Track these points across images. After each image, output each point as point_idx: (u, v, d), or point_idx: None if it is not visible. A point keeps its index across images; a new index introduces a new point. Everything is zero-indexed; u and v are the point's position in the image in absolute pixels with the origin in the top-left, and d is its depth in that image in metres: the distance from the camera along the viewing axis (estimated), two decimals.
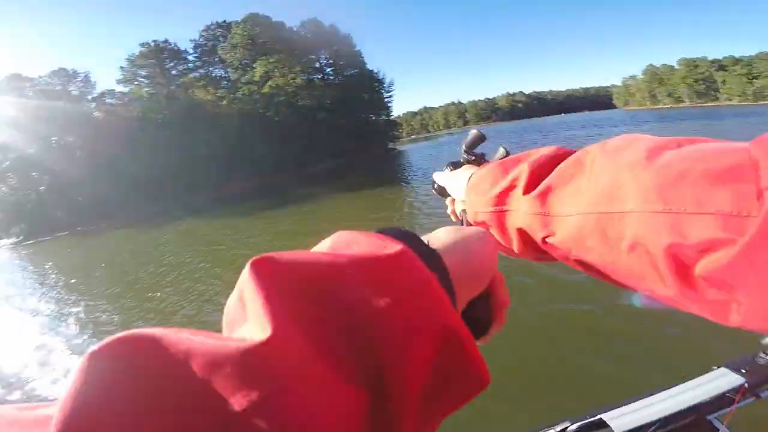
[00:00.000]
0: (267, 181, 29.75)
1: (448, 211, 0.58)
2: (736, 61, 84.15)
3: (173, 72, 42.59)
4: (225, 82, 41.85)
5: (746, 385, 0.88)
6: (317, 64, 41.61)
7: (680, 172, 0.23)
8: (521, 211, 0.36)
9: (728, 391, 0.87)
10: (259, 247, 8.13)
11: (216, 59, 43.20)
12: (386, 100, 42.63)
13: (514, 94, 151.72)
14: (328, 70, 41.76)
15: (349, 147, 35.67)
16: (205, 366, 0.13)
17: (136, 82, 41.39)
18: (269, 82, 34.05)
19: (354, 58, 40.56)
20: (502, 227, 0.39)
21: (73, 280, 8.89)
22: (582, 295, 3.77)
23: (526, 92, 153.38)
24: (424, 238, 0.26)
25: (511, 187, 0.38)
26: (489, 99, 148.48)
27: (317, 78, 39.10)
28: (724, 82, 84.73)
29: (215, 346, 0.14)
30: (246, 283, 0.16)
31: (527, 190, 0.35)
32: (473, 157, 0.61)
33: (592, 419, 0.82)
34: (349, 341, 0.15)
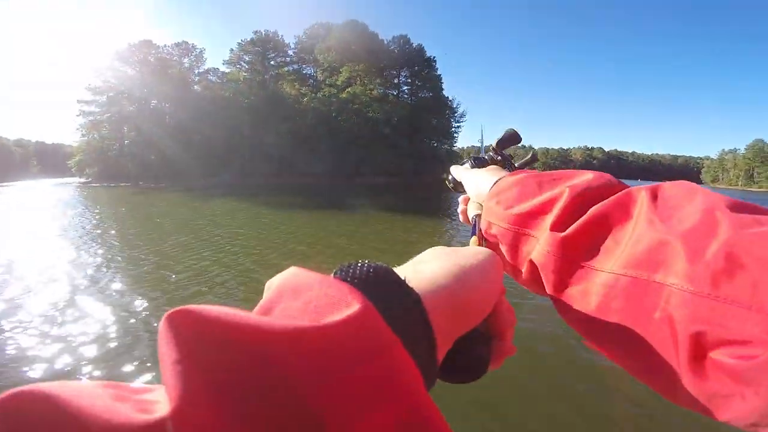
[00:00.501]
0: (318, 182, 31.14)
1: (459, 209, 0.52)
2: None
3: (272, 63, 46.86)
4: (312, 81, 44.83)
5: None
6: (396, 80, 42.73)
7: (741, 257, 0.21)
8: (542, 244, 0.31)
9: None
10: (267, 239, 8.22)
11: (311, 57, 46.49)
12: (454, 129, 42.27)
13: (591, 149, 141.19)
14: (405, 88, 42.64)
15: (405, 168, 35.97)
16: None
17: (238, 66, 46.19)
18: (348, 89, 35.70)
19: (432, 82, 40.96)
20: (516, 249, 0.35)
21: (111, 229, 9.87)
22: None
23: (606, 149, 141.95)
24: (405, 270, 0.22)
25: (541, 211, 0.33)
26: (563, 149, 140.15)
27: (392, 93, 40.08)
28: None
29: (111, 422, 0.12)
30: (161, 339, 0.14)
31: (558, 225, 0.31)
32: (500, 158, 0.56)
33: None
34: (273, 419, 0.13)
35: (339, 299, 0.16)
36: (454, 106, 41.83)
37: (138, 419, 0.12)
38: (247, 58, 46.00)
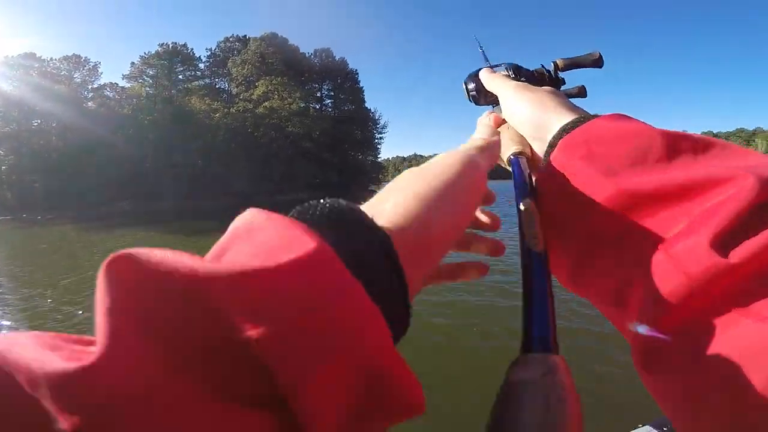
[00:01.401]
0: (237, 201, 28.87)
1: (481, 133, 0.34)
2: (713, 136, 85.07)
3: (180, 77, 43.47)
4: (225, 95, 42.25)
5: None
6: (318, 94, 42.03)
7: None
8: (680, 260, 0.18)
9: None
10: None
11: (225, 71, 44.01)
12: (377, 140, 42.61)
13: None
14: (327, 101, 42.14)
15: (331, 181, 35.12)
16: (29, 384, 0.11)
17: (140, 80, 42.00)
18: (265, 103, 34.01)
19: (354, 94, 40.97)
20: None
21: None
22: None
23: None
24: (372, 206, 0.19)
25: (679, 197, 0.20)
26: None
27: (314, 107, 39.27)
28: None
29: (42, 365, 0.11)
30: (98, 287, 0.13)
31: (723, 237, 0.17)
32: (554, 79, 0.39)
33: None
34: (212, 369, 0.12)
35: (292, 239, 0.13)
36: (376, 117, 42.23)
37: (64, 367, 0.11)
38: (151, 72, 42.33)
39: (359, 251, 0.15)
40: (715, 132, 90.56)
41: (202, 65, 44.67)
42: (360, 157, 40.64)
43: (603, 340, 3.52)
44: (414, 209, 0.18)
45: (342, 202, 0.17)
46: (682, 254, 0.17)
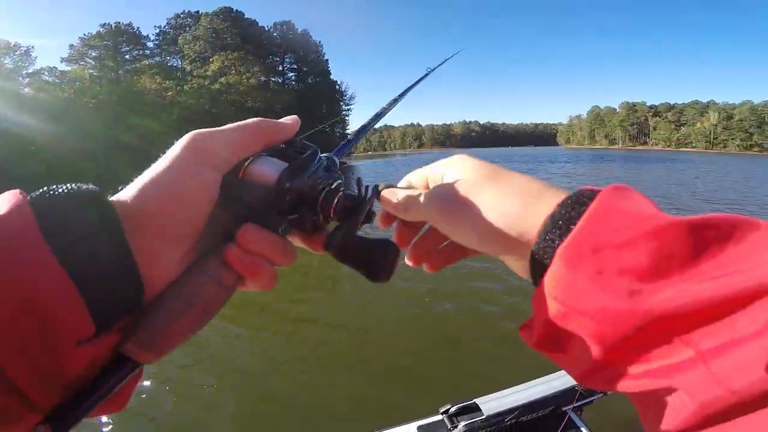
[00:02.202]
0: None
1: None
2: (670, 107, 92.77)
3: (127, 56, 40.38)
4: (180, 73, 39.54)
5: None
6: (280, 68, 39.91)
7: None
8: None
9: (578, 385, 0.98)
10: None
11: (177, 49, 41.09)
12: (345, 113, 41.21)
13: (469, 123, 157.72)
14: (291, 75, 40.13)
15: None
16: None
17: (82, 63, 38.76)
18: (221, 79, 31.81)
19: (319, 66, 39.07)
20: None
21: None
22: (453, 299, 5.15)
23: (481, 122, 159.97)
24: (127, 191, 0.24)
25: (722, 319, 0.15)
26: (446, 124, 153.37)
27: (276, 80, 37.23)
28: (655, 128, 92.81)
29: None
30: None
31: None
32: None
33: (469, 403, 0.94)
34: None
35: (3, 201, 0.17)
36: (343, 89, 40.68)
37: None
38: (93, 54, 39.12)
39: (74, 225, 0.19)
40: (671, 103, 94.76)
41: (150, 44, 41.92)
42: (328, 130, 39.20)
43: None
44: (134, 189, 0.23)
45: (82, 186, 0.21)
46: (727, 369, 0.15)
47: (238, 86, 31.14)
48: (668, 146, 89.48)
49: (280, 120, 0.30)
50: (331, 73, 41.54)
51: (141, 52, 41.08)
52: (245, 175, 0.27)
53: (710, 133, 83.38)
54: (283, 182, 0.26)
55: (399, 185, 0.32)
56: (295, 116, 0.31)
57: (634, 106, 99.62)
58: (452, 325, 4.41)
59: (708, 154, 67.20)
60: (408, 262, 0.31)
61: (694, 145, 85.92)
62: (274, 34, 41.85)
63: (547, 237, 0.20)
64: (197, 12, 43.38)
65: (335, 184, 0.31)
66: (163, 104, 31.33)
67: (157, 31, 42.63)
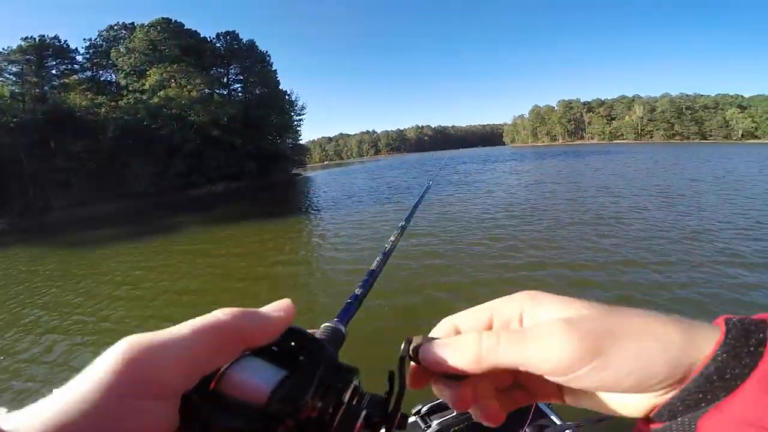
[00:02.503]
0: (138, 203, 25.86)
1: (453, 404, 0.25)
2: (602, 103, 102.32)
3: (54, 72, 37.66)
4: (114, 88, 37.43)
5: None
6: (225, 79, 38.97)
7: None
8: None
9: None
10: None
11: (110, 62, 38.88)
12: (296, 123, 40.88)
13: (422, 127, 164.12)
14: (237, 86, 39.27)
15: (247, 170, 33.01)
16: None
17: (1, 79, 35.60)
18: (160, 92, 30.54)
19: (266, 77, 38.56)
20: None
21: None
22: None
23: (433, 126, 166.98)
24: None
25: None
26: (400, 130, 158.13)
27: (220, 92, 36.32)
28: (590, 123, 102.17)
29: None
30: None
31: None
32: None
33: (439, 401, 0.92)
34: None
35: None
36: (293, 99, 40.35)
37: None
38: (14, 69, 36.05)
39: None
40: (603, 99, 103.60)
41: (80, 58, 39.42)
42: (279, 141, 38.72)
43: None
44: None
45: None
46: None
47: (179, 100, 30.03)
48: (603, 139, 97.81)
49: (268, 310, 0.23)
50: (280, 83, 41.12)
51: (69, 67, 38.57)
52: (220, 387, 0.20)
53: (638, 125, 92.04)
54: (282, 402, 0.19)
55: (437, 332, 0.26)
56: (288, 300, 0.24)
57: (570, 103, 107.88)
58: (412, 322, 4.18)
59: (637, 145, 73.39)
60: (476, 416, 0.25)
61: (624, 137, 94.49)
62: (217, 44, 40.80)
63: (728, 362, 0.18)
64: (132, 24, 41.39)
65: (351, 390, 0.22)
66: (97, 121, 29.54)
67: (88, 44, 40.33)
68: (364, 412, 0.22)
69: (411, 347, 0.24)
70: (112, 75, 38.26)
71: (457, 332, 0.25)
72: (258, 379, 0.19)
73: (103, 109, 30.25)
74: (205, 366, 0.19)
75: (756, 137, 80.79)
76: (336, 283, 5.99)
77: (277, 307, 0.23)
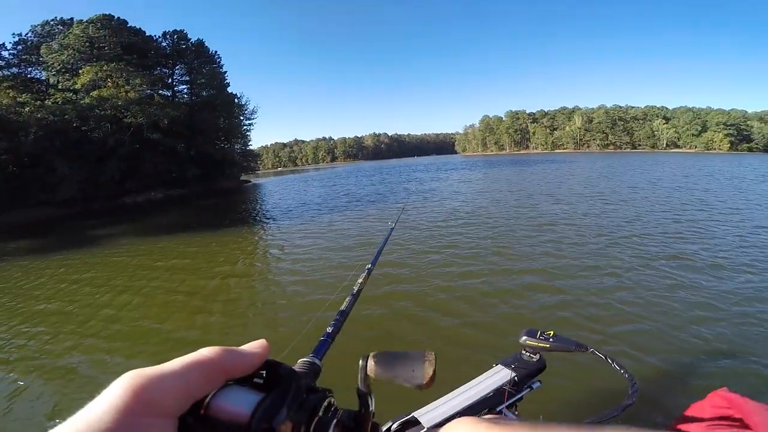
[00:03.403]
0: (64, 211, 24.21)
1: None
2: (545, 114, 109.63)
3: None
4: (44, 86, 34.82)
5: (516, 378, 1.09)
6: (170, 80, 37.48)
7: None
8: None
9: (505, 384, 1.07)
10: None
11: (40, 59, 36.12)
12: (246, 127, 40.01)
13: (379, 135, 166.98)
14: (182, 87, 37.86)
15: (190, 176, 31.75)
16: None
17: None
18: (93, 92, 28.86)
19: (215, 79, 37.48)
20: None
21: None
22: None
23: (390, 134, 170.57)
24: None
25: None
26: (357, 137, 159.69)
27: (161, 93, 34.82)
28: (534, 133, 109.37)
29: None
30: None
31: None
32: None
33: (408, 417, 0.99)
34: None
35: None
36: (243, 102, 39.46)
37: None
38: None
39: None
40: (546, 110, 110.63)
41: (6, 53, 36.31)
42: (226, 146, 37.65)
43: None
44: None
45: None
46: None
47: (114, 100, 28.53)
48: (546, 149, 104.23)
49: (246, 348, 0.27)
50: (229, 85, 40.13)
51: None
52: (209, 412, 0.23)
53: (577, 135, 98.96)
54: (261, 420, 0.23)
55: None
56: (263, 341, 0.28)
57: (517, 114, 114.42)
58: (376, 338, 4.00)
59: (576, 154, 78.26)
60: None
61: (565, 146, 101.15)
62: (163, 43, 39.18)
63: None
64: (71, 19, 38.77)
65: (325, 406, 0.27)
66: (20, 122, 27.35)
67: (16, 39, 37.31)
68: (334, 421, 0.26)
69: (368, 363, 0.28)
70: (42, 73, 35.61)
71: None
72: (239, 404, 0.24)
73: (27, 108, 28.09)
74: (196, 393, 0.23)
75: (678, 147, 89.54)
76: (291, 297, 5.66)
77: (254, 346, 0.28)
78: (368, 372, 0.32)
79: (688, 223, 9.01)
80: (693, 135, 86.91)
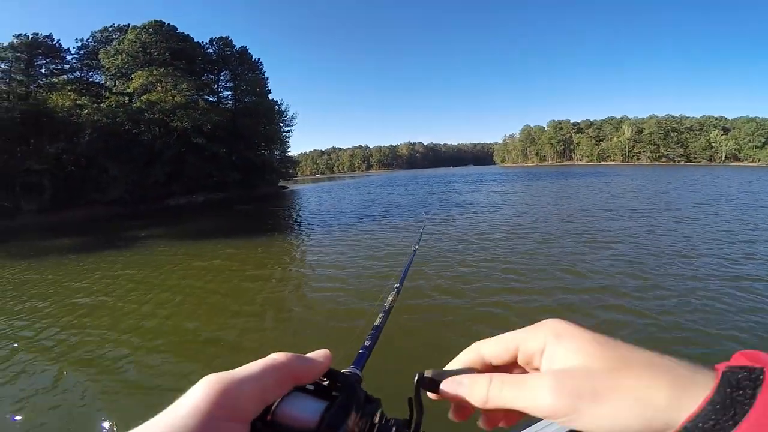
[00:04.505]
0: (113, 210, 25.09)
1: None
2: (590, 124, 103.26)
3: (43, 71, 37.08)
4: (103, 90, 36.86)
5: None
6: (216, 86, 38.54)
7: None
8: None
9: None
10: None
11: (98, 63, 38.39)
12: (285, 134, 40.36)
13: (414, 144, 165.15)
14: (227, 93, 38.78)
15: (230, 181, 32.23)
16: None
17: None
18: (143, 96, 29.99)
19: (257, 85, 38.13)
20: None
21: None
22: None
23: (425, 143, 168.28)
24: None
25: None
26: (392, 146, 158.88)
27: (206, 99, 35.73)
28: (578, 143, 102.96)
29: None
30: None
31: None
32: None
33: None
34: None
35: None
36: (283, 109, 39.92)
37: None
38: (3, 66, 35.41)
39: None
40: (591, 120, 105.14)
41: (71, 57, 38.88)
42: (266, 152, 38.11)
43: None
44: None
45: None
46: None
47: (162, 104, 29.47)
48: (591, 161, 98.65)
49: (313, 356, 0.28)
50: (270, 92, 40.77)
51: (59, 67, 38.03)
52: (275, 418, 0.24)
53: (625, 147, 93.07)
54: (328, 427, 0.23)
55: (458, 362, 0.30)
56: (327, 350, 0.29)
57: (560, 123, 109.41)
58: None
59: (625, 167, 73.66)
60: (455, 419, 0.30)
61: (612, 158, 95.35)
62: (210, 50, 40.51)
63: (706, 424, 0.20)
64: (127, 26, 41.05)
65: (379, 414, 0.29)
66: (78, 123, 28.88)
67: (79, 44, 39.89)
68: (394, 428, 0.27)
69: (424, 379, 0.28)
70: (102, 77, 37.75)
71: (482, 358, 0.29)
72: (306, 411, 0.24)
73: (85, 111, 29.64)
74: (269, 398, 0.24)
75: (738, 159, 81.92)
76: (325, 304, 5.65)
77: (319, 354, 0.28)
78: (425, 385, 0.30)
79: None
80: (756, 147, 79.36)
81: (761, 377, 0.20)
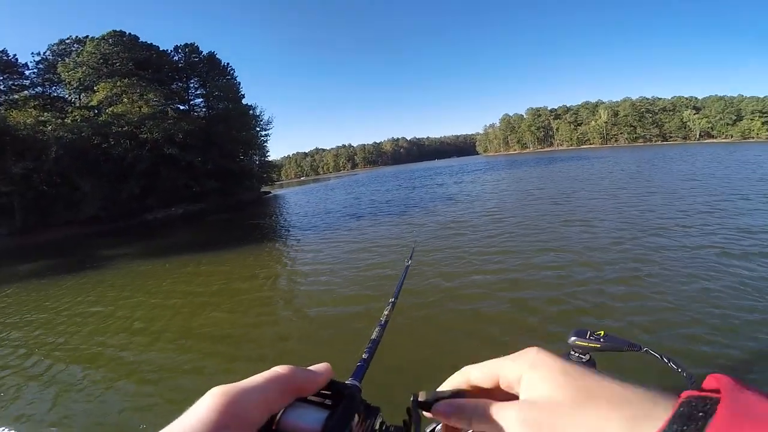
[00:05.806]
0: (86, 229, 24.22)
1: None
2: (567, 109, 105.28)
3: (2, 87, 35.46)
4: (63, 105, 35.43)
5: None
6: (185, 94, 37.52)
7: None
8: None
9: None
10: None
11: (59, 78, 36.88)
12: (263, 138, 39.68)
13: (398, 140, 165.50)
14: (198, 101, 37.81)
15: (208, 190, 31.48)
16: None
17: None
18: (109, 109, 28.94)
19: (230, 91, 37.25)
20: None
21: None
22: None
23: (408, 138, 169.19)
24: None
25: None
26: (376, 143, 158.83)
27: (176, 107, 34.74)
28: (558, 129, 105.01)
29: None
30: None
31: None
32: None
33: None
34: None
35: None
36: (258, 113, 39.17)
37: None
38: None
39: None
40: (568, 106, 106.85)
41: (29, 72, 37.25)
42: (244, 159, 37.40)
43: None
44: None
45: None
46: None
47: (128, 116, 28.51)
48: (571, 145, 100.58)
49: (314, 369, 0.29)
50: (244, 96, 39.95)
51: (18, 83, 36.44)
52: (280, 427, 0.25)
53: (603, 130, 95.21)
54: None
55: (449, 384, 0.32)
56: (327, 364, 0.30)
57: (538, 111, 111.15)
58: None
59: (605, 149, 75.17)
60: None
61: (591, 141, 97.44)
62: (175, 57, 39.32)
63: None
64: (86, 37, 39.48)
65: (380, 422, 0.30)
66: (43, 141, 27.71)
67: (38, 58, 38.22)
68: None
69: (418, 401, 0.31)
70: (65, 91, 36.29)
71: (470, 382, 0.31)
72: (308, 420, 0.25)
73: (49, 127, 28.45)
74: (273, 408, 0.25)
75: (712, 137, 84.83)
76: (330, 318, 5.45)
77: (320, 367, 0.29)
78: (419, 405, 0.32)
79: None
80: (727, 124, 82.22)
81: (714, 408, 0.20)
